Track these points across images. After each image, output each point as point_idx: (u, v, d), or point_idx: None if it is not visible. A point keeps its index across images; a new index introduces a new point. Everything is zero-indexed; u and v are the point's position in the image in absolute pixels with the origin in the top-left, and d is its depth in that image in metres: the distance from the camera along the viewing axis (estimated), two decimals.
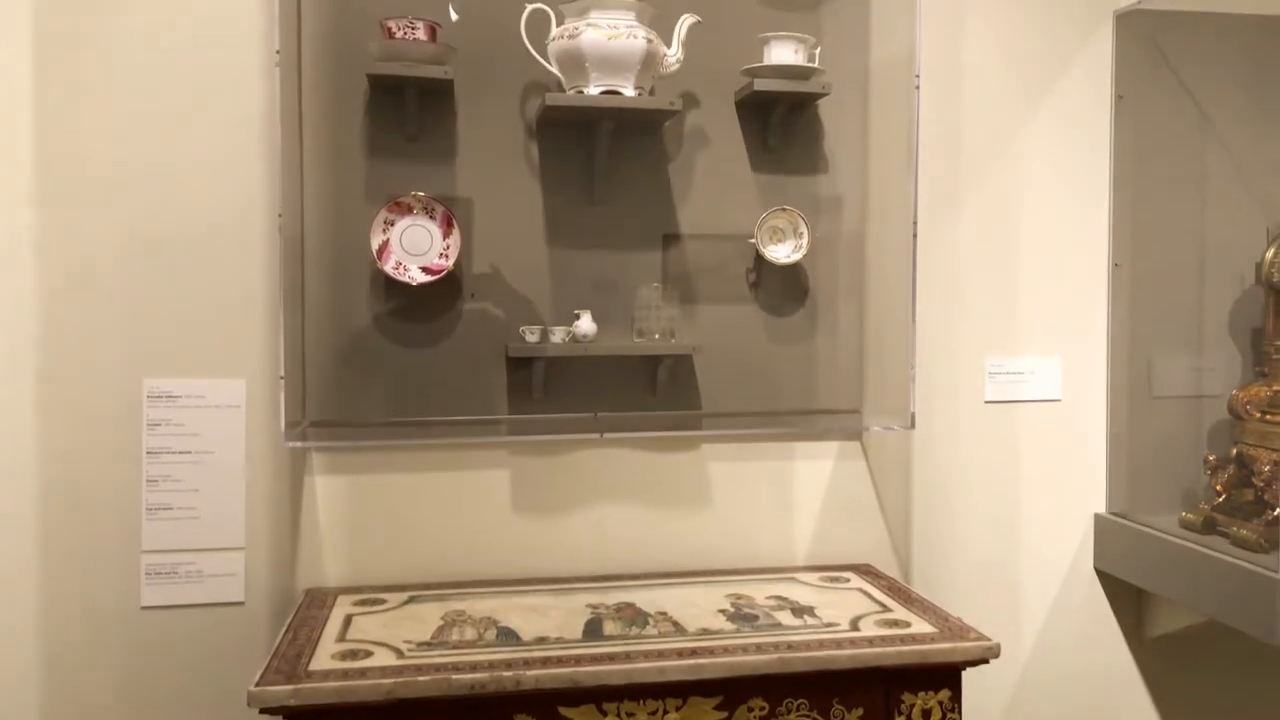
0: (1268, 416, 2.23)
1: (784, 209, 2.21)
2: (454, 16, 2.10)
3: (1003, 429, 2.39)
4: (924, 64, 2.23)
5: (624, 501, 2.22)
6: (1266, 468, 2.17)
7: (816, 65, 2.17)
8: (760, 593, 2.05)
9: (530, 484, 2.18)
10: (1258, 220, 2.39)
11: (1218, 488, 2.27)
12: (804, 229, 2.21)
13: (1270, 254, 2.28)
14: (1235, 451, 2.27)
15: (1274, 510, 2.10)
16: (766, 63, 2.15)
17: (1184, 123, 2.42)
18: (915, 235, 2.15)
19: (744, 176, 2.24)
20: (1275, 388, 2.26)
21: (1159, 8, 2.36)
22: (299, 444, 1.95)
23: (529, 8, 2.03)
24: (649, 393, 2.18)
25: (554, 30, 2.04)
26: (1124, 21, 2.40)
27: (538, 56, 2.05)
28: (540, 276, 2.15)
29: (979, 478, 2.38)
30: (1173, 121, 2.42)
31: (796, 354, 2.27)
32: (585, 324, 2.09)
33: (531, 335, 2.06)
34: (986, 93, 2.36)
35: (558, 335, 2.07)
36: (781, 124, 2.23)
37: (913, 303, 2.15)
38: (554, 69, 2.05)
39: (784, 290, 2.26)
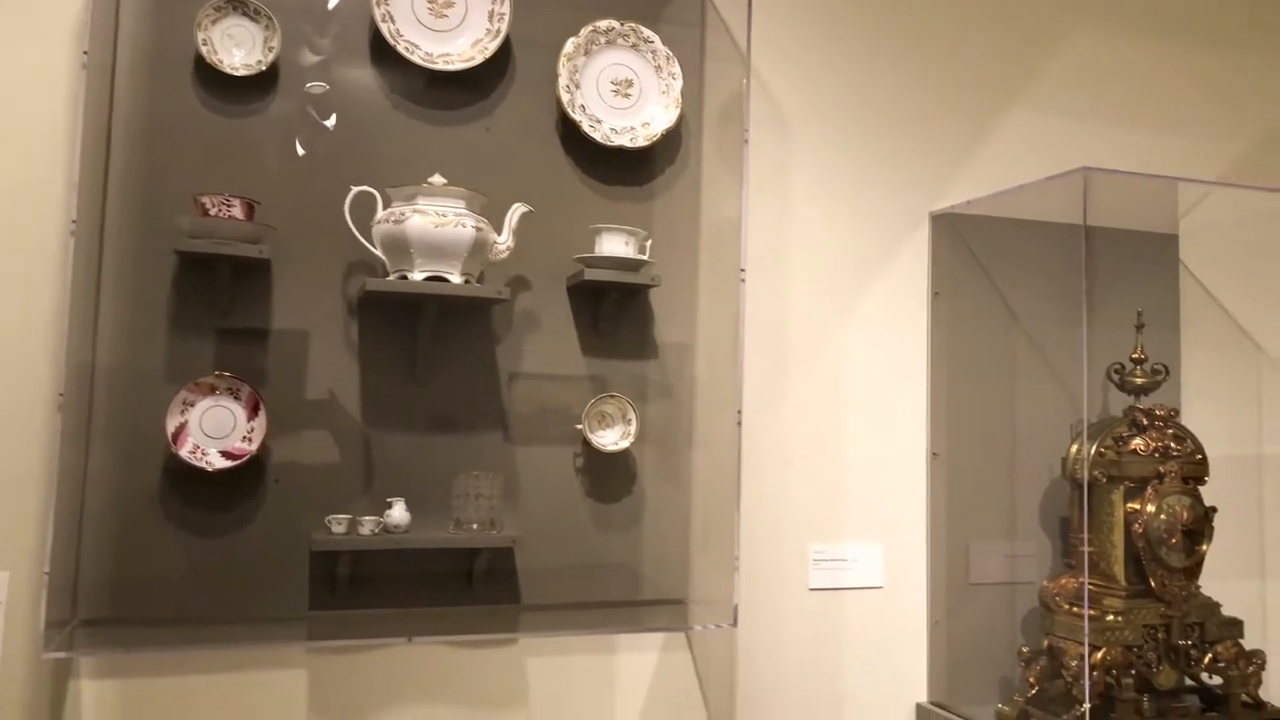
0: (1075, 609, 2.29)
1: (612, 395, 2.20)
2: (330, 123, 2.05)
3: (827, 617, 2.38)
4: (751, 257, 2.30)
5: (434, 702, 2.09)
6: (1074, 662, 2.21)
7: (647, 257, 2.19)
8: None
9: (330, 685, 2.03)
10: (1064, 414, 2.51)
11: (1031, 680, 2.31)
12: (632, 415, 2.20)
13: (1074, 450, 2.39)
14: (1047, 644, 2.33)
15: (1082, 705, 2.14)
16: (598, 253, 2.16)
17: (995, 319, 2.55)
18: (740, 423, 2.17)
19: (574, 361, 2.22)
20: (1081, 580, 2.33)
21: (968, 212, 2.51)
22: (60, 654, 1.76)
23: (354, 190, 2.00)
24: (465, 585, 2.09)
25: (379, 213, 2.00)
26: (939, 222, 2.54)
27: (361, 239, 2.00)
28: (353, 461, 2.05)
29: (804, 667, 2.35)
30: (985, 318, 2.54)
31: (623, 542, 2.22)
32: (398, 513, 1.99)
33: (338, 526, 1.95)
34: (812, 286, 2.44)
35: (367, 526, 1.96)
36: (613, 310, 2.23)
37: (737, 492, 2.15)
38: (378, 252, 2.01)
39: (611, 477, 2.23)
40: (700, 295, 2.32)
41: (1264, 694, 2.31)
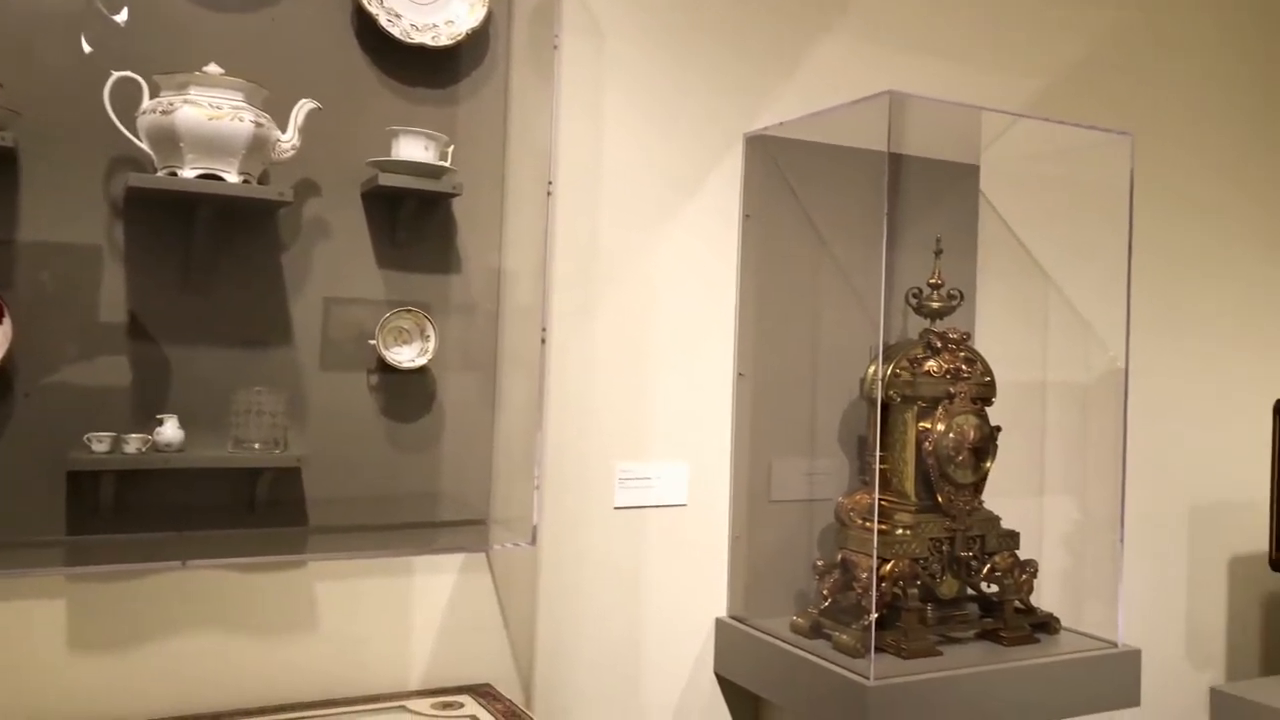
0: (867, 523, 2.37)
1: (409, 309, 2.10)
2: (121, 18, 1.84)
3: (631, 535, 2.39)
4: (561, 171, 2.24)
5: (212, 630, 1.99)
6: (864, 574, 2.30)
7: (448, 164, 2.09)
8: None
9: (93, 614, 1.90)
10: (866, 336, 2.57)
11: (824, 592, 2.38)
12: (431, 331, 2.11)
13: (870, 371, 2.46)
14: (840, 557, 2.40)
15: (870, 615, 2.23)
16: (395, 157, 2.04)
17: (803, 243, 2.57)
18: (545, 341, 2.12)
19: (368, 272, 2.11)
20: (876, 496, 2.41)
21: (780, 135, 2.51)
22: None
23: (114, 75, 1.81)
24: (248, 509, 1.97)
25: (146, 102, 1.82)
26: (752, 144, 2.53)
27: (124, 130, 1.82)
28: (119, 375, 1.89)
29: (607, 585, 2.36)
30: (793, 241, 2.56)
31: (421, 463, 2.15)
32: (170, 431, 1.85)
33: (99, 444, 1.80)
34: (623, 202, 2.38)
35: (132, 444, 1.82)
36: (411, 219, 2.12)
37: (540, 410, 2.11)
38: (144, 145, 1.83)
39: (409, 395, 2.14)
40: (507, 208, 2.24)
41: (1035, 600, 2.46)
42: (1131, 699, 2.37)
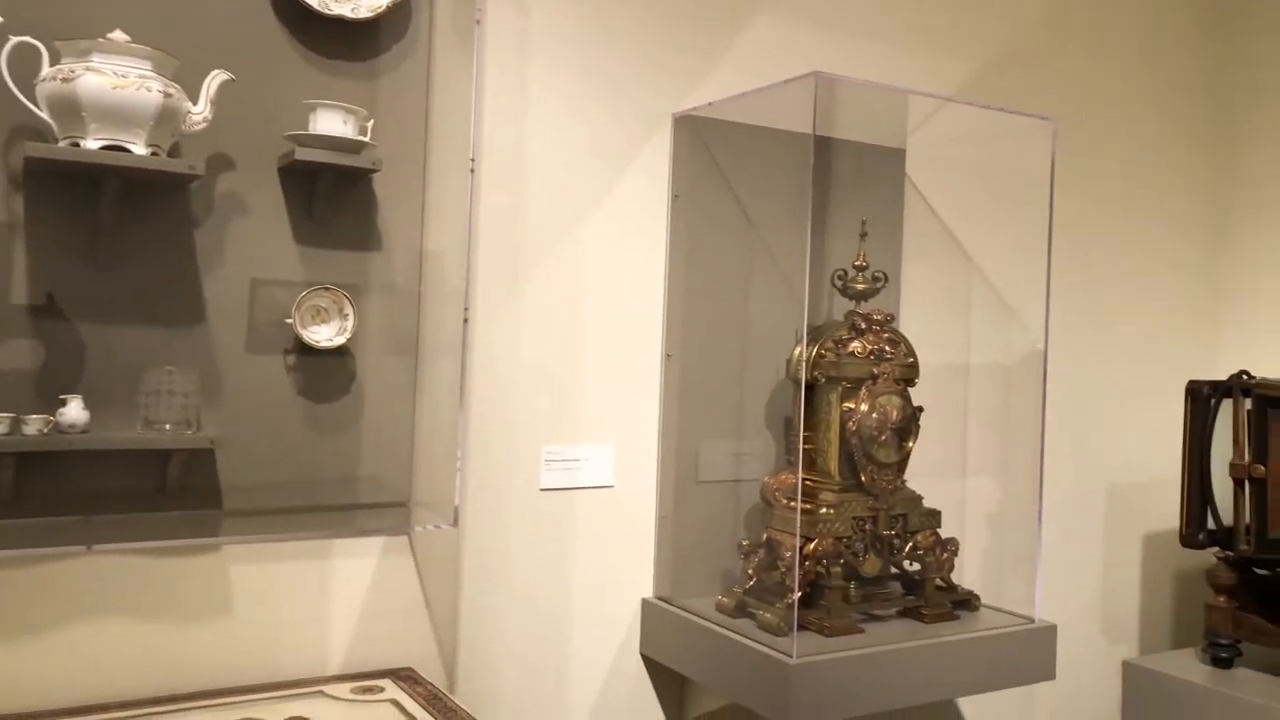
0: (792, 503, 2.39)
1: (327, 288, 2.06)
2: None
3: (557, 517, 2.37)
4: (485, 149, 2.21)
5: (121, 617, 1.93)
6: (788, 553, 2.32)
7: (368, 139, 2.04)
8: (278, 714, 1.85)
9: None
10: (792, 317, 2.58)
11: (750, 572, 2.40)
12: (350, 310, 2.07)
13: (797, 352, 2.47)
14: (766, 536, 2.42)
15: (793, 594, 2.25)
16: (312, 131, 1.99)
17: (731, 224, 2.57)
18: (467, 320, 2.09)
19: (285, 250, 2.05)
20: (800, 476, 2.43)
21: (709, 115, 2.50)
22: None
23: (12, 40, 1.73)
24: (159, 493, 1.91)
25: (45, 69, 1.75)
26: (681, 124, 2.52)
27: (21, 97, 1.75)
28: (19, 354, 1.81)
29: (532, 567, 2.34)
30: (722, 222, 2.56)
31: (340, 444, 2.10)
32: (74, 412, 1.79)
33: None
34: (550, 183, 2.36)
35: (33, 425, 1.75)
36: (330, 195, 2.07)
37: (461, 390, 2.08)
38: (44, 114, 1.76)
39: (327, 376, 2.09)
40: (430, 185, 2.20)
41: (955, 578, 2.51)
42: (1047, 673, 2.43)
